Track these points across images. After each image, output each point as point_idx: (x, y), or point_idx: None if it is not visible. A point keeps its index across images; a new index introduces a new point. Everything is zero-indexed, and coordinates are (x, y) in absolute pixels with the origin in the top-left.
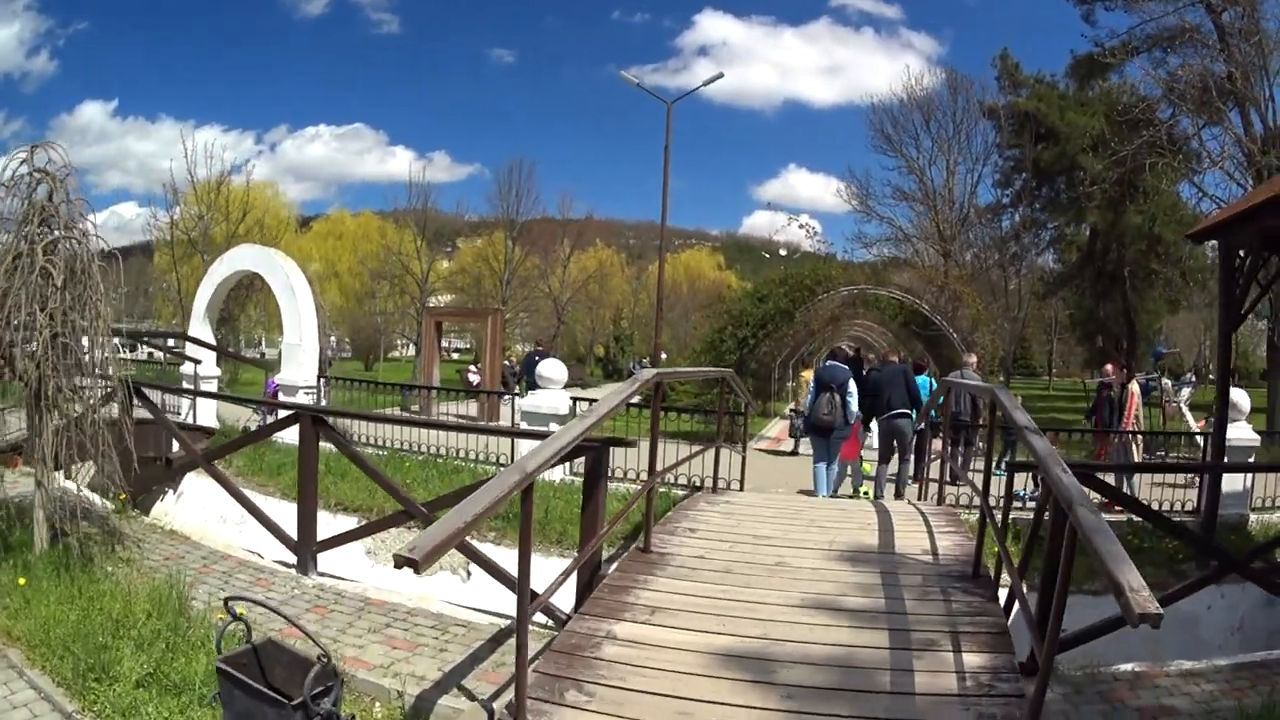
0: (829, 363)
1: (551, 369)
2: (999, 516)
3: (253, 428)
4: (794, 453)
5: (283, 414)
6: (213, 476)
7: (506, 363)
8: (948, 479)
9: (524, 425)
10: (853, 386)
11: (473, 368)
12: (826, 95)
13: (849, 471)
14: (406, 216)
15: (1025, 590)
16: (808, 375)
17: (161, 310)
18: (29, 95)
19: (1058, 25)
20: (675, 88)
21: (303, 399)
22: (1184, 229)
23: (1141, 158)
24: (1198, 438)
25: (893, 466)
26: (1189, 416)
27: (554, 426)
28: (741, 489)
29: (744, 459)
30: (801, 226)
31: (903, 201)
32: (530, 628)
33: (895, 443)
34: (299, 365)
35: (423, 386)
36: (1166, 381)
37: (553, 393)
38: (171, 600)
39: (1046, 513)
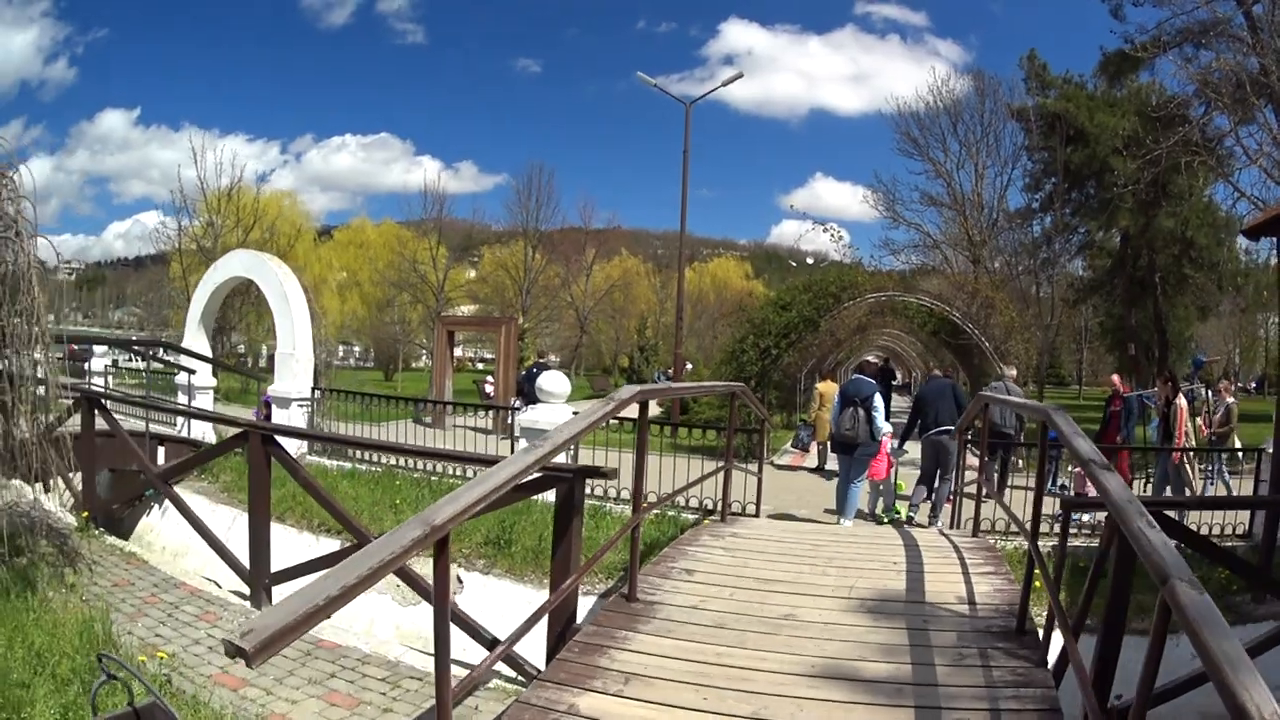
0: (855, 376)
1: (552, 382)
2: (1044, 551)
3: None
4: (819, 469)
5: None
6: (167, 496)
7: (524, 373)
8: (984, 502)
9: (523, 443)
10: (878, 401)
11: (490, 379)
12: (853, 103)
13: (880, 490)
14: (429, 225)
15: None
16: (824, 388)
17: (175, 319)
18: (48, 103)
19: (1084, 28)
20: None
21: (296, 412)
22: (1217, 233)
23: (1176, 156)
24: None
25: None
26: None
27: None
28: (757, 514)
29: (760, 481)
30: (826, 230)
31: (930, 207)
32: (495, 681)
33: (939, 461)
34: (293, 376)
35: (415, 399)
36: (1207, 392)
37: (554, 407)
38: (96, 636)
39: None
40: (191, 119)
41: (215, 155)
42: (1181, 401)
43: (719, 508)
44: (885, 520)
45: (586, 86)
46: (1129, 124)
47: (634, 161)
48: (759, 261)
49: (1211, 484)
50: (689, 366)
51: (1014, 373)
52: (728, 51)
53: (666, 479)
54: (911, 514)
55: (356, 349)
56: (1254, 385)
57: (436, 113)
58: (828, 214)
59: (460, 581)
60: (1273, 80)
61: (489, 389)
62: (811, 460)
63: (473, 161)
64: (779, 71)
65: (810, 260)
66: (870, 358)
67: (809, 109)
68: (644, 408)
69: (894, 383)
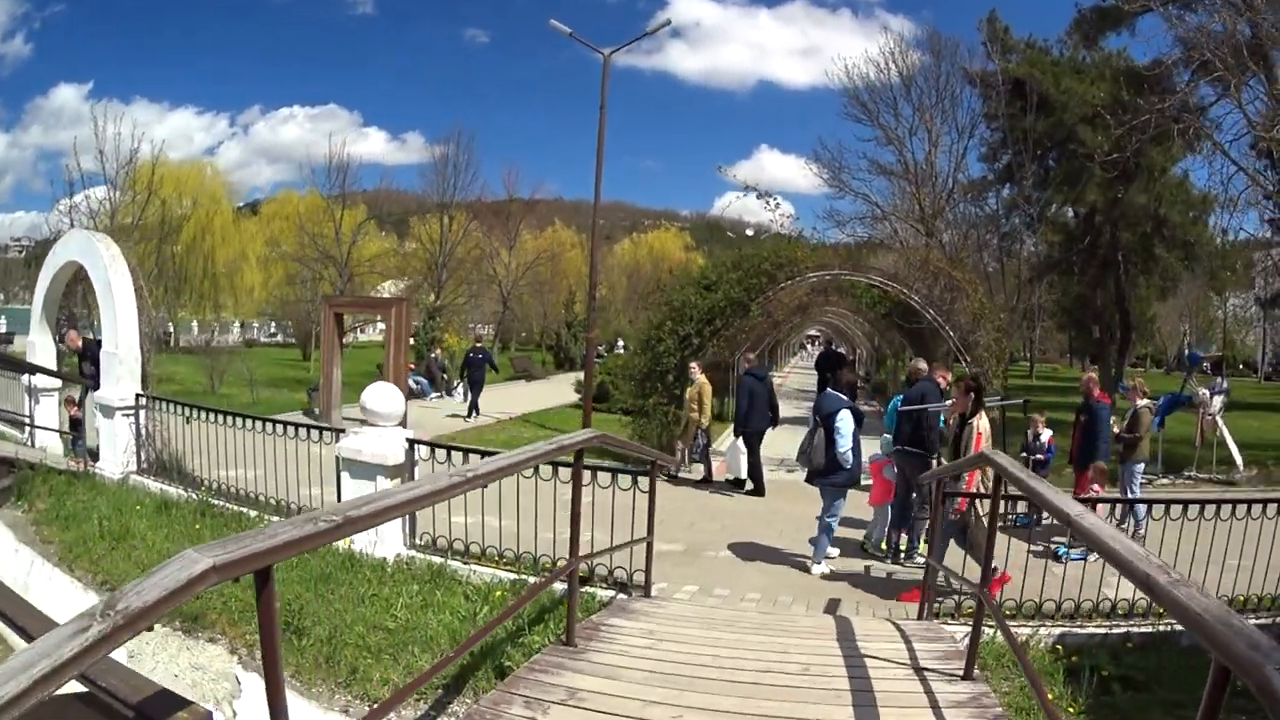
0: (828, 391)
1: (378, 399)
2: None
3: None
4: (741, 485)
5: None
6: None
7: (434, 355)
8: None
9: (346, 478)
10: (843, 421)
11: None
12: (801, 77)
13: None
14: (358, 197)
15: None
16: (704, 381)
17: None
18: (3, 79)
19: (1041, 6)
20: (648, 68)
21: (121, 423)
22: (1191, 210)
23: (1164, 124)
24: (1236, 457)
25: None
26: (1226, 433)
27: (382, 483)
28: (646, 591)
29: (649, 549)
30: (760, 196)
31: (879, 176)
32: None
33: (907, 484)
34: (116, 380)
35: (251, 417)
36: (1204, 391)
37: (382, 433)
38: None
39: None
40: (143, 93)
41: (115, 125)
42: (982, 424)
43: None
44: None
45: (535, 58)
46: (1100, 91)
47: (580, 133)
48: (700, 232)
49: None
50: (621, 345)
51: (927, 367)
52: (676, 23)
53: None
54: (876, 542)
55: (288, 326)
56: (1209, 366)
57: (385, 84)
58: (772, 187)
59: (239, 684)
60: (1266, 45)
61: None
62: (733, 471)
63: (420, 132)
64: (727, 43)
65: (750, 232)
66: (812, 331)
67: (757, 81)
68: (265, 579)
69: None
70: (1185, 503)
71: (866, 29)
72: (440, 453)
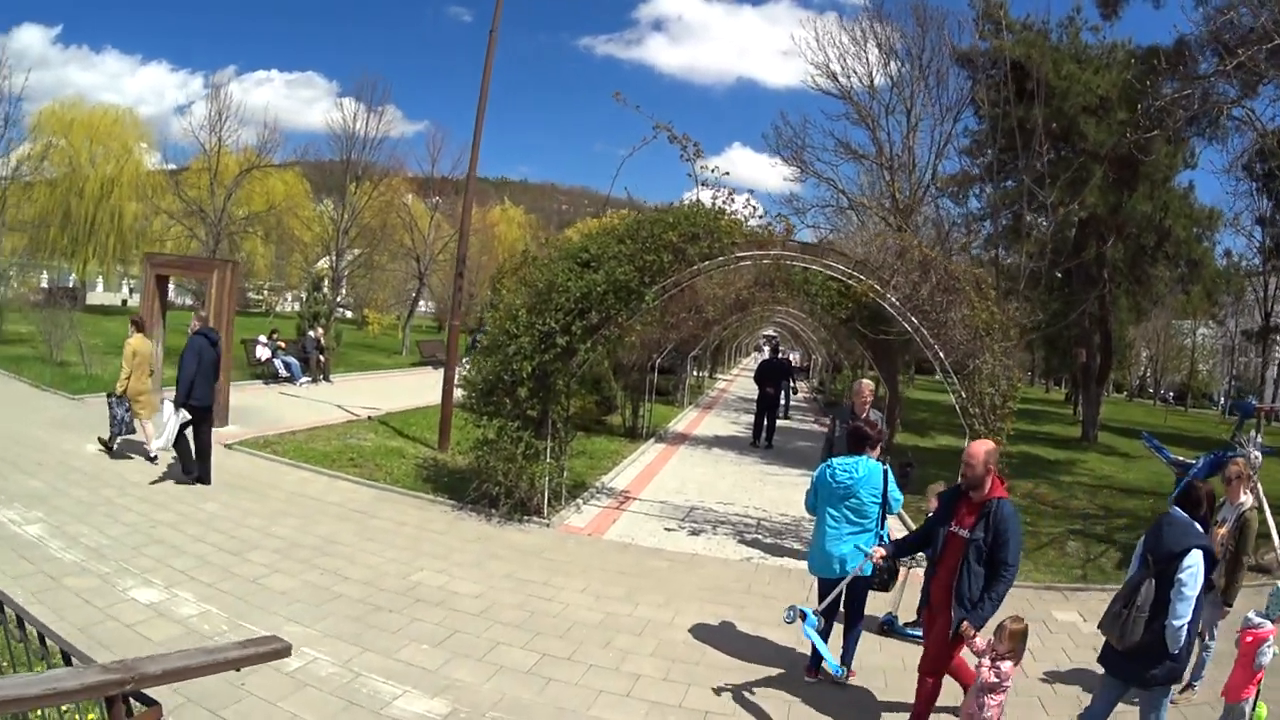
0: (1173, 512)
1: None
2: None
3: None
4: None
5: None
6: None
7: (311, 334)
8: None
9: None
10: (1192, 572)
11: (263, 339)
12: (781, 78)
13: None
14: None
15: None
16: (137, 344)
17: None
18: None
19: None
20: (627, 59)
21: None
22: (1195, 224)
23: (1206, 107)
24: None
25: None
26: (1265, 506)
27: None
28: None
29: None
30: (691, 157)
31: (848, 159)
32: None
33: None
34: None
35: None
36: (1256, 454)
37: None
38: None
39: None
40: (115, 42)
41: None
42: None
43: None
44: None
45: (518, 41)
46: (1105, 80)
47: (556, 118)
48: None
49: None
50: None
51: (868, 392)
52: (659, 16)
53: None
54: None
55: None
56: (1173, 396)
57: (367, 56)
58: (741, 185)
59: None
60: None
61: (262, 351)
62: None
63: (397, 106)
64: (709, 40)
65: None
66: (769, 331)
67: (736, 78)
68: None
69: (795, 372)
70: None
71: (852, 33)
72: None
